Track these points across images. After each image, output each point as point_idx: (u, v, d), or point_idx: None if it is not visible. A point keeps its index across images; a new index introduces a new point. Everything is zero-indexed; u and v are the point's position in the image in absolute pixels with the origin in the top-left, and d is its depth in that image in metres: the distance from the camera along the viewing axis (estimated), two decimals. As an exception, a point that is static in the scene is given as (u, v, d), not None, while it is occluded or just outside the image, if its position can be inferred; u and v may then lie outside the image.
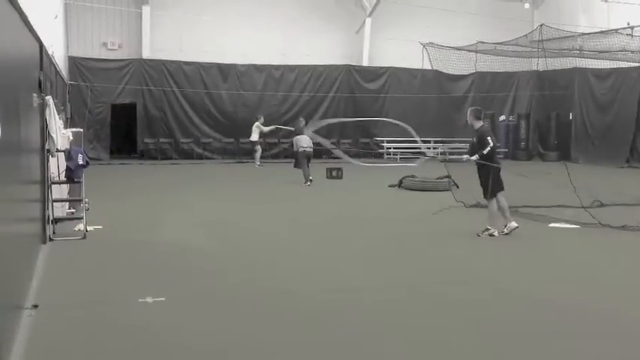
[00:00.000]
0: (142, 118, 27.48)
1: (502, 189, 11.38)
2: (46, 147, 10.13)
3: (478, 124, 11.32)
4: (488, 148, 11.05)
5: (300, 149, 19.30)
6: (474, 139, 11.45)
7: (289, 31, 28.43)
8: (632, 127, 26.54)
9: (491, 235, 11.10)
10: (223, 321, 6.62)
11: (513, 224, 11.26)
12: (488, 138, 11.16)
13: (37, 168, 9.23)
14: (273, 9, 28.50)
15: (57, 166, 11.45)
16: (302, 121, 24.43)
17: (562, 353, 5.85)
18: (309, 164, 19.29)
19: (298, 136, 19.95)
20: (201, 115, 28.23)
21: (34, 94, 8.69)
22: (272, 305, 7.19)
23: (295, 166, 19.49)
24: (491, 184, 11.15)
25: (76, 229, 11.07)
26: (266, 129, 25.01)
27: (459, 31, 27.36)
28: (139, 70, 27.14)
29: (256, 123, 25.15)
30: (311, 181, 18.98)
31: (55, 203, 10.93)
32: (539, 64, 23.23)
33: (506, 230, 11.24)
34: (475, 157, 11.18)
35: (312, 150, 19.47)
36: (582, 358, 5.79)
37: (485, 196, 11.33)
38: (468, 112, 11.49)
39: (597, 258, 10.05)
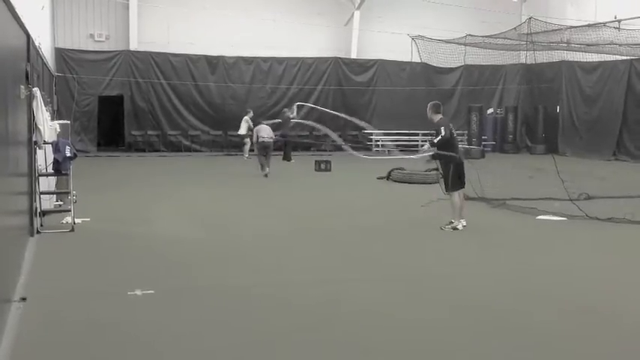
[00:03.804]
0: (129, 110, 27.33)
1: (462, 186, 11.29)
2: (34, 139, 10.06)
3: (437, 117, 11.25)
4: (439, 137, 10.92)
5: (260, 139, 19.38)
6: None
7: (277, 23, 28.31)
8: (618, 120, 26.67)
9: (454, 228, 11.02)
10: (213, 313, 6.61)
11: (462, 223, 11.09)
12: (442, 128, 11.00)
13: (24, 160, 9.16)
14: (262, 0, 28.39)
15: (44, 158, 11.38)
16: (287, 111, 24.43)
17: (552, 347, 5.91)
18: (268, 155, 19.31)
19: (258, 126, 20.05)
20: (189, 107, 28.10)
21: (22, 86, 8.62)
22: (261, 297, 7.18)
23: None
24: (451, 177, 11.07)
25: (64, 221, 11.01)
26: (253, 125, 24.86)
27: (448, 24, 27.38)
28: (127, 62, 26.98)
29: (245, 117, 25.08)
30: (266, 175, 18.91)
31: (42, 196, 10.88)
32: (527, 57, 23.27)
33: (449, 227, 11.10)
34: (427, 146, 11.10)
35: (271, 141, 19.56)
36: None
37: (446, 189, 11.23)
38: (428, 107, 11.38)
39: (583, 250, 10.11)
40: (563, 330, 6.27)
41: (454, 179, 11.15)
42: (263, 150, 19.32)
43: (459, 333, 6.14)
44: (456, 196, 11.18)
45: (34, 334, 5.93)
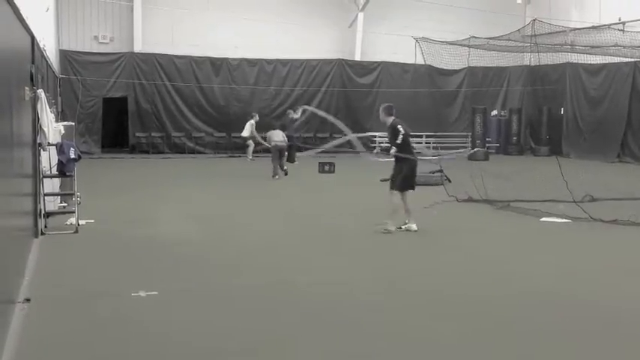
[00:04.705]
0: (133, 112, 27.38)
1: (412, 188, 11.15)
2: (38, 140, 10.09)
3: (390, 119, 11.15)
4: (400, 136, 10.81)
5: (272, 143, 19.63)
6: (389, 135, 11.27)
7: (282, 24, 28.32)
8: (623, 122, 26.60)
9: (387, 230, 10.90)
10: (216, 314, 6.62)
11: (413, 226, 11.04)
12: (400, 126, 10.90)
13: (28, 162, 9.18)
14: (266, 2, 28.41)
15: (49, 159, 11.41)
16: (290, 113, 24.41)
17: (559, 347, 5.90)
18: (282, 158, 19.64)
19: (272, 131, 20.36)
20: (193, 109, 28.15)
21: (26, 88, 8.65)
22: (267, 298, 7.19)
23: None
24: (402, 177, 10.94)
25: (68, 223, 11.04)
26: (255, 133, 24.40)
27: (452, 25, 27.34)
28: (131, 64, 27.03)
29: (250, 121, 24.98)
30: (285, 172, 19.31)
31: (46, 197, 10.89)
32: (531, 59, 23.26)
33: (404, 228, 11.08)
34: (393, 151, 10.93)
35: (284, 144, 19.84)
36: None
37: (393, 187, 11.07)
38: (380, 110, 11.33)
39: (587, 252, 10.08)
40: (564, 330, 6.27)
41: (403, 180, 11.00)
42: (277, 153, 19.46)
43: (460, 335, 6.13)
44: (398, 196, 11.04)
45: (38, 335, 5.94)
